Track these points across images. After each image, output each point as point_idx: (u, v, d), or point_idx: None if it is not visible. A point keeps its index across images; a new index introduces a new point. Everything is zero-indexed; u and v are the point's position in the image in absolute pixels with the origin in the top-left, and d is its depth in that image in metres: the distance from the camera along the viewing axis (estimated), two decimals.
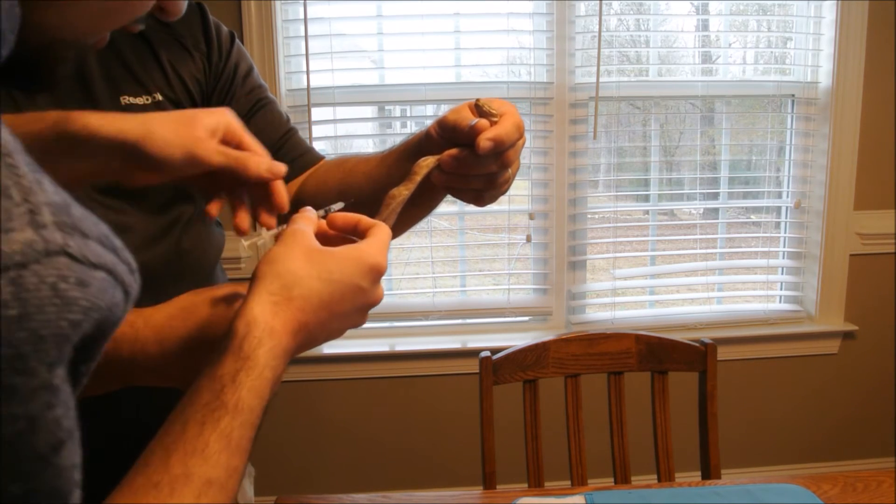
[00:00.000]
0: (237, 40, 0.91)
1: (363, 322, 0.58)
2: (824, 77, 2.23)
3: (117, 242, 0.33)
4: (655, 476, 1.40)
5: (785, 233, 2.39)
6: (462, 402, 2.23)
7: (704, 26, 2.44)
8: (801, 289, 2.40)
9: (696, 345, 1.41)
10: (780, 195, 2.38)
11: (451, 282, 2.42)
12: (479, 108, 0.67)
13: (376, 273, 0.56)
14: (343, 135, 2.25)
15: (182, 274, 0.85)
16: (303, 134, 0.99)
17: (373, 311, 0.59)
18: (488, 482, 1.34)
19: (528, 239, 2.27)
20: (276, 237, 0.58)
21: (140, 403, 0.74)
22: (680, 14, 2.35)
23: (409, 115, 2.47)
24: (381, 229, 0.60)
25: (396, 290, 2.31)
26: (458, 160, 0.68)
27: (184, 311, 0.62)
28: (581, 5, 2.14)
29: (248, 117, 0.89)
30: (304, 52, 2.06)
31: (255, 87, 0.91)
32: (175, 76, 0.83)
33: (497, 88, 2.20)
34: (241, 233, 0.66)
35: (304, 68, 2.07)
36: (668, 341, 1.42)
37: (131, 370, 0.61)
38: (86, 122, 0.59)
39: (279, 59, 2.07)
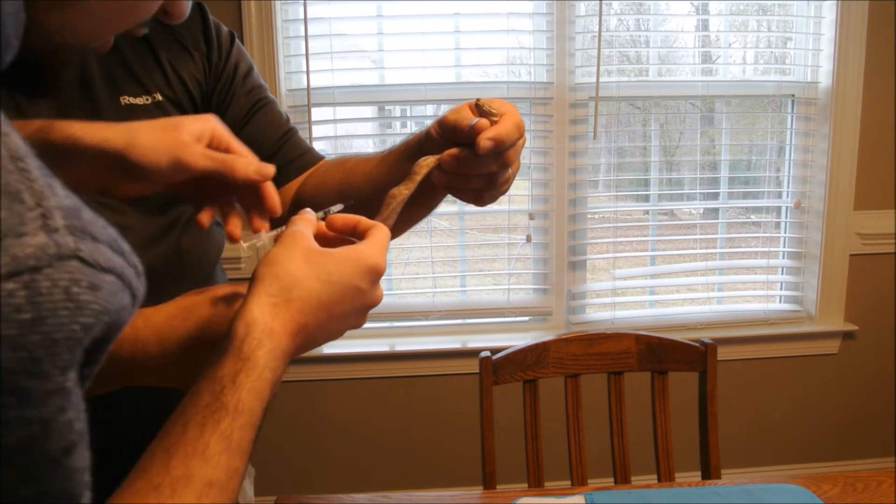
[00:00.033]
0: (237, 40, 0.91)
1: (362, 323, 0.58)
2: (824, 77, 2.23)
3: (125, 246, 0.33)
4: (655, 476, 1.40)
5: (785, 233, 2.39)
6: (462, 402, 2.23)
7: (704, 26, 2.44)
8: (801, 289, 2.40)
9: (696, 345, 1.41)
10: (780, 195, 2.38)
11: (451, 282, 2.42)
12: (479, 108, 0.67)
13: (375, 274, 0.56)
14: (343, 135, 2.24)
15: (182, 274, 0.85)
16: (303, 134, 0.99)
17: (373, 311, 0.59)
18: (488, 482, 1.34)
19: (528, 239, 2.27)
20: (276, 239, 0.58)
21: (140, 403, 0.74)
22: (680, 14, 2.35)
23: (409, 115, 2.47)
24: (379, 230, 0.59)
25: (396, 290, 2.31)
26: (459, 160, 0.68)
27: (184, 310, 0.62)
28: (581, 5, 2.14)
29: (247, 117, 0.89)
30: (304, 52, 2.06)
31: (255, 87, 0.91)
32: (175, 76, 0.83)
33: (497, 88, 2.20)
34: (233, 240, 0.66)
35: (304, 68, 2.07)
36: (668, 341, 1.42)
37: (131, 370, 0.61)
38: (69, 131, 0.58)
39: (279, 59, 2.07)
